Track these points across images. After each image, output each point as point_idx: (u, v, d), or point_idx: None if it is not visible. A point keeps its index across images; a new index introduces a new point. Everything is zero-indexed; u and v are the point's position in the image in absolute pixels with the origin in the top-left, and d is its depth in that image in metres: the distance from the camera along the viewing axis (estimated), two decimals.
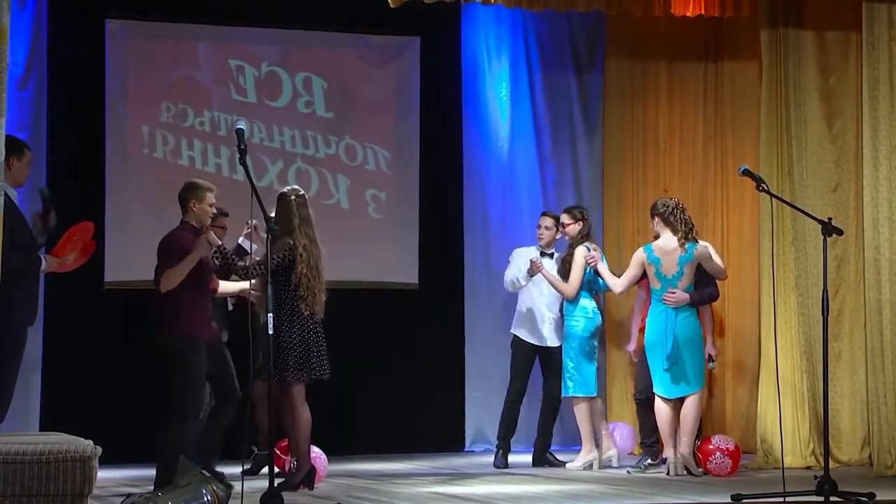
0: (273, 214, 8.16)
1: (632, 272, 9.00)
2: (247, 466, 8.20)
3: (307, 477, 8.01)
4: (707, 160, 11.26)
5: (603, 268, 9.24)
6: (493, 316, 11.13)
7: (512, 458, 9.90)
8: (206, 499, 5.73)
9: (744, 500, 6.10)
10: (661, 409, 8.74)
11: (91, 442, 5.79)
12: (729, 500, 6.15)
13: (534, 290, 9.77)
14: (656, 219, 8.99)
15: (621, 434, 10.18)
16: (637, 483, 8.26)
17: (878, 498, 5.95)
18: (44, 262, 7.94)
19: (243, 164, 6.06)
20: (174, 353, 7.51)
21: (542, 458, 9.61)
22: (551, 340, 9.67)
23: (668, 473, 8.61)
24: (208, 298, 7.78)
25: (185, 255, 7.55)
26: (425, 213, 11.18)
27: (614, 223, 11.13)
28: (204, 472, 7.17)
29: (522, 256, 9.72)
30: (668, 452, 8.74)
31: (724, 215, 11.25)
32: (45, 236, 7.89)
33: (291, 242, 8.13)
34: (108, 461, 7.49)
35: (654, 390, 8.80)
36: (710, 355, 10.15)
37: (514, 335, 9.77)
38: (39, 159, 9.97)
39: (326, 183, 11.04)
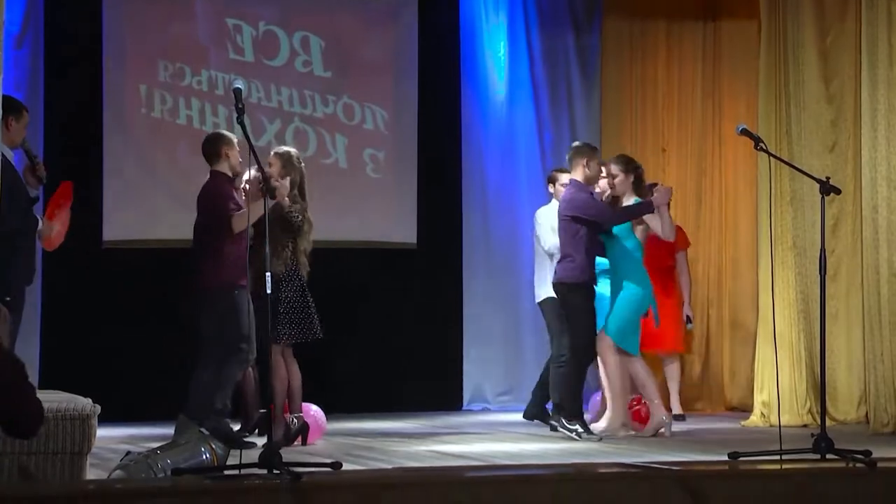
0: (272, 169, 8.14)
1: None
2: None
3: (302, 433, 8.04)
4: (705, 120, 11.24)
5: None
6: (490, 275, 11.12)
7: (509, 417, 9.93)
8: (204, 457, 5.72)
9: (741, 458, 6.11)
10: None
11: (90, 400, 5.79)
12: (726, 458, 6.15)
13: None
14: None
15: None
16: (636, 442, 8.27)
17: (874, 455, 5.96)
18: (40, 222, 7.93)
19: (241, 123, 6.01)
20: (221, 302, 7.70)
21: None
22: None
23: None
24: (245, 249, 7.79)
25: (231, 202, 7.75)
26: (424, 172, 11.14)
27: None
28: (203, 430, 7.20)
29: (546, 218, 9.21)
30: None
31: (722, 175, 11.24)
32: (38, 189, 7.88)
33: (306, 205, 8.18)
34: (106, 419, 7.49)
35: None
36: (687, 316, 10.16)
37: (547, 298, 9.09)
38: (36, 118, 9.91)
39: (324, 142, 10.99)
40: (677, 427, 9.06)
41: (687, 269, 10.18)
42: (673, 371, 10.20)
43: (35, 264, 8.00)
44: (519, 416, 9.64)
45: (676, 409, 10.07)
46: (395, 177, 11.13)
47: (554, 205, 9.10)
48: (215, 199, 7.86)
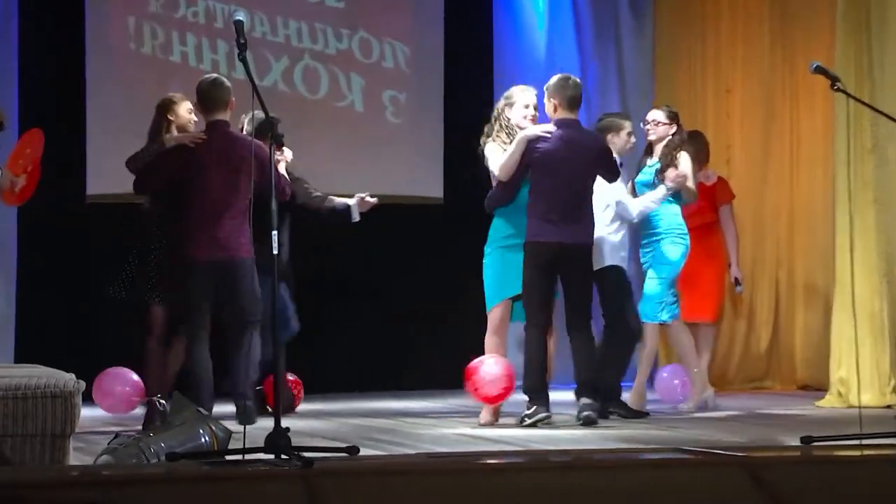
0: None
1: None
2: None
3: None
4: (774, 57, 11.18)
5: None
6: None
7: (550, 395, 9.92)
8: (203, 440, 5.74)
9: (815, 443, 6.08)
10: None
11: (73, 376, 5.80)
12: (798, 443, 6.14)
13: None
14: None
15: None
16: (696, 425, 8.27)
17: None
18: (0, 173, 7.96)
19: (243, 60, 5.99)
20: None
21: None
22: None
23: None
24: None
25: None
26: (451, 117, 11.12)
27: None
28: (201, 409, 7.22)
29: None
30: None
31: (794, 120, 11.18)
32: None
33: None
34: (91, 398, 7.54)
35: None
36: (736, 279, 10.15)
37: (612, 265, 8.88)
38: (8, 55, 9.95)
39: (338, 83, 10.98)
40: (735, 408, 9.07)
41: (733, 224, 10.18)
42: (708, 343, 10.24)
43: None
44: (562, 395, 9.64)
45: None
46: (419, 122, 11.12)
47: None
48: (265, 164, 7.80)
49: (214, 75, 8.60)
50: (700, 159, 9.93)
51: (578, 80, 8.46)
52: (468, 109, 11.15)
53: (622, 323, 8.72)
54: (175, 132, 8.53)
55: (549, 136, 8.21)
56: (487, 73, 11.23)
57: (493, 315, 8.36)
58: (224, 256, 8.15)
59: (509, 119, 8.38)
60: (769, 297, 11.15)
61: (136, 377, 8.73)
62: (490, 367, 8.16)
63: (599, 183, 8.47)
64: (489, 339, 8.38)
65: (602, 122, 9.01)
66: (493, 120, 8.45)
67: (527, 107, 8.39)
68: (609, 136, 8.76)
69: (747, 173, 11.01)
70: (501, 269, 8.30)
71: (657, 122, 9.07)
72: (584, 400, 8.19)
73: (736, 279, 10.20)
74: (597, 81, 11.37)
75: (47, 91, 10.17)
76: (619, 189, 8.84)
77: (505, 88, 11.23)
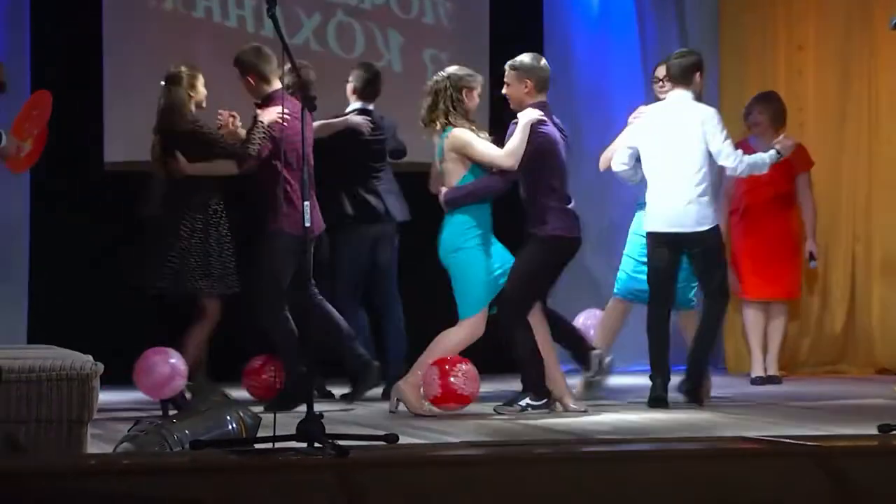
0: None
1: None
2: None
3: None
4: (850, 10, 11.10)
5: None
6: (582, 202, 11.07)
7: (613, 381, 9.95)
8: (229, 426, 5.77)
9: (893, 432, 6.06)
10: None
11: (90, 357, 5.84)
12: (875, 432, 6.12)
13: None
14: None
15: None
16: (754, 410, 8.26)
17: None
18: (4, 137, 8.01)
19: (272, 17, 6.01)
20: None
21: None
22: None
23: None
24: None
25: None
26: (498, 78, 11.05)
27: (735, 91, 11.00)
28: (227, 394, 7.28)
29: None
30: None
31: (872, 80, 11.11)
32: None
33: None
34: (111, 381, 7.56)
35: None
36: (810, 253, 10.11)
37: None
38: (20, 14, 9.98)
39: (374, 41, 10.97)
40: (807, 393, 9.04)
41: (811, 195, 10.16)
42: (780, 323, 10.23)
43: None
44: (620, 380, 9.64)
45: (772, 368, 10.18)
46: None
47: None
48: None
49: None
50: (776, 123, 9.91)
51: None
52: None
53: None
54: (194, 109, 8.57)
55: (545, 119, 8.26)
56: (537, 31, 11.20)
57: (480, 317, 8.34)
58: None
59: (464, 103, 8.36)
60: (844, 274, 11.10)
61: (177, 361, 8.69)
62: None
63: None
64: (467, 339, 8.37)
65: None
66: (446, 101, 8.36)
67: (479, 95, 8.48)
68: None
69: (821, 138, 10.95)
70: (486, 267, 8.30)
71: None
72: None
73: (811, 253, 10.17)
74: (655, 37, 11.30)
75: (61, 52, 10.21)
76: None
77: (557, 47, 11.28)
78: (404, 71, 11.02)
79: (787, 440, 5.92)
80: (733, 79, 11.13)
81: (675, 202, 8.55)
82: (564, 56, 11.24)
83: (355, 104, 9.41)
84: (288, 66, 6.49)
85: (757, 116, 9.97)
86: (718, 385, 9.45)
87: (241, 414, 5.85)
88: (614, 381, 9.65)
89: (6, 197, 9.21)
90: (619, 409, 8.51)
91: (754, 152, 9.63)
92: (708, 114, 8.59)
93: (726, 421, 7.74)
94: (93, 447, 5.91)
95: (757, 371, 10.18)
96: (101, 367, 5.75)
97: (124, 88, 10.39)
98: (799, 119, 11.02)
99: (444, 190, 8.33)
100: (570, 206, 8.40)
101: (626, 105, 10.33)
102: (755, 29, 11.17)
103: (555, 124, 8.39)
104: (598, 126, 10.58)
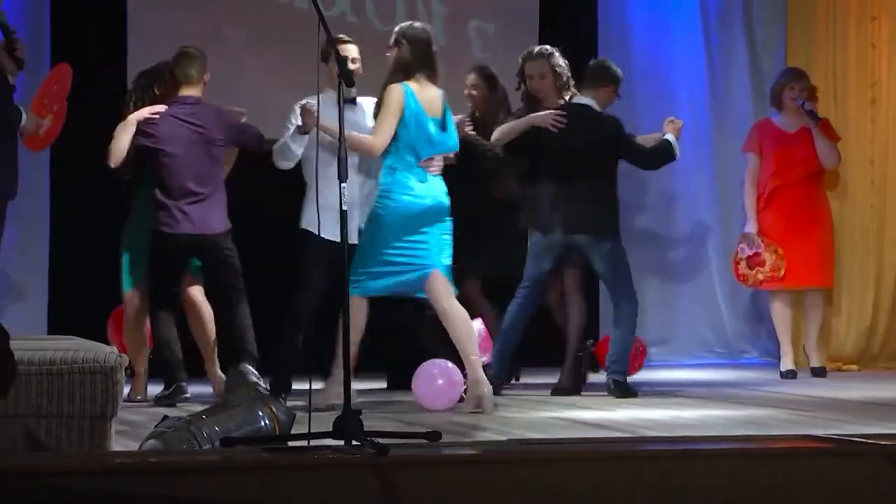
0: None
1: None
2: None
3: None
4: None
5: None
6: (638, 187, 11.07)
7: (663, 375, 9.94)
8: (262, 423, 5.78)
9: None
10: None
11: (114, 349, 5.87)
12: None
13: None
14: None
15: None
16: (819, 407, 8.24)
17: None
18: (24, 115, 8.06)
19: None
20: None
21: None
22: None
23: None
24: None
25: None
26: None
27: (800, 64, 10.93)
28: (260, 387, 7.29)
29: None
30: None
31: None
32: (16, 75, 8.02)
33: None
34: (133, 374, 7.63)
35: None
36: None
37: None
38: None
39: (415, 11, 10.98)
40: (879, 390, 9.03)
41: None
42: (818, 313, 10.24)
43: (17, 172, 8.16)
44: (676, 374, 9.64)
45: (816, 360, 10.22)
46: (511, 57, 11.06)
47: None
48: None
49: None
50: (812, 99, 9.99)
51: None
52: (566, 43, 11.12)
53: None
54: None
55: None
56: (590, 2, 11.18)
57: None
58: None
59: None
60: None
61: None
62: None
63: None
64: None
65: None
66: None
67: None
68: None
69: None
70: None
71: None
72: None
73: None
74: (718, 7, 11.26)
75: (82, 21, 10.25)
76: None
77: (612, 16, 11.26)
78: (448, 44, 11.00)
79: (859, 439, 5.89)
80: (798, 51, 11.07)
81: None
82: (621, 31, 11.22)
83: None
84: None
85: (801, 92, 9.98)
86: (777, 382, 9.49)
87: (275, 409, 5.85)
88: (665, 375, 9.66)
89: (25, 184, 9.22)
90: (674, 403, 8.51)
91: (778, 131, 9.69)
92: None
93: (792, 418, 7.72)
94: (117, 444, 5.93)
95: (786, 365, 10.21)
96: (125, 359, 5.77)
97: (149, 60, 10.37)
98: (870, 95, 10.97)
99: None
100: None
101: (688, 84, 10.36)
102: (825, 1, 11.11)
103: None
104: (658, 104, 10.59)
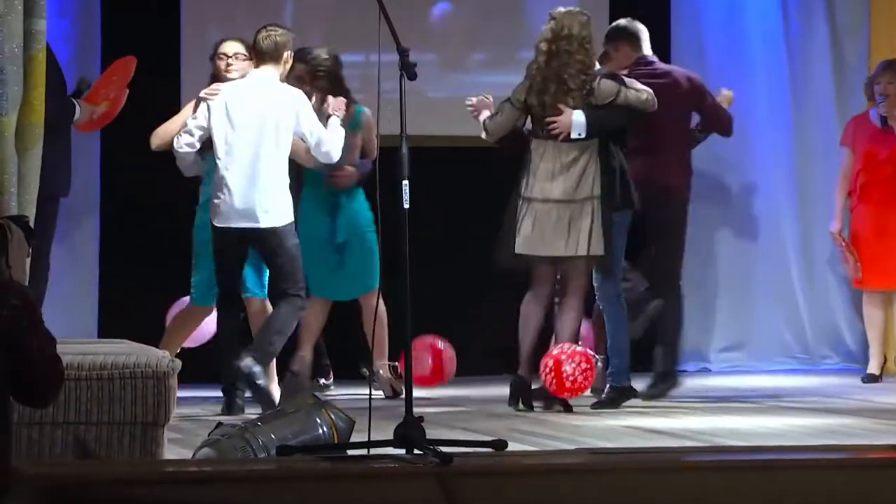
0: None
1: None
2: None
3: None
4: None
5: None
6: (708, 181, 10.99)
7: (736, 381, 9.90)
8: (320, 431, 5.79)
9: None
10: None
11: (167, 353, 5.88)
12: None
13: None
14: None
15: None
16: None
17: None
18: (78, 109, 8.11)
19: None
20: None
21: None
22: None
23: None
24: None
25: None
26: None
27: (886, 54, 10.85)
28: (318, 395, 7.29)
29: None
30: None
31: None
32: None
33: None
34: (189, 379, 7.64)
35: None
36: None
37: None
38: None
39: None
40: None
41: None
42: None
43: (70, 169, 8.21)
44: (752, 381, 9.60)
45: (873, 366, 10.22)
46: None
47: None
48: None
49: None
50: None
51: None
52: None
53: None
54: None
55: None
56: None
57: None
58: None
59: None
60: None
61: None
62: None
63: None
64: None
65: None
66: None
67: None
68: None
69: None
70: None
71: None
72: None
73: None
74: None
75: (136, 10, 10.29)
76: None
77: (685, 4, 11.22)
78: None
79: None
80: (880, 37, 10.99)
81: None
82: (694, 15, 11.16)
83: None
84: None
85: (886, 87, 9.90)
86: (862, 389, 9.45)
87: (333, 416, 5.86)
88: (739, 381, 9.63)
89: (75, 181, 9.28)
90: (750, 410, 8.47)
91: (871, 126, 9.63)
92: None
93: (874, 427, 7.67)
94: (170, 452, 5.95)
95: (870, 368, 10.21)
96: (178, 364, 5.78)
97: (204, 49, 10.36)
98: None
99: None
100: None
101: (767, 74, 10.29)
102: None
103: None
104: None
